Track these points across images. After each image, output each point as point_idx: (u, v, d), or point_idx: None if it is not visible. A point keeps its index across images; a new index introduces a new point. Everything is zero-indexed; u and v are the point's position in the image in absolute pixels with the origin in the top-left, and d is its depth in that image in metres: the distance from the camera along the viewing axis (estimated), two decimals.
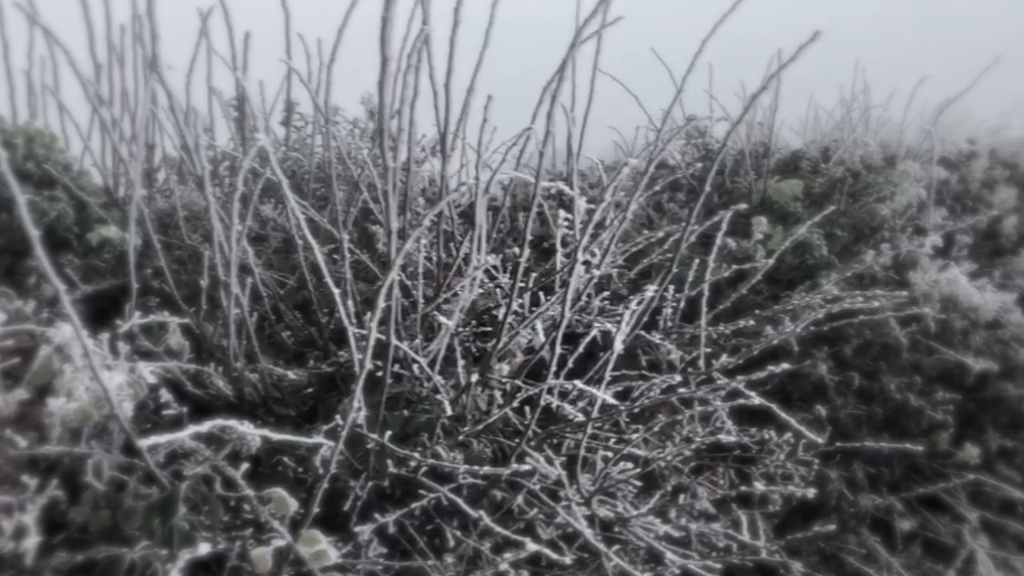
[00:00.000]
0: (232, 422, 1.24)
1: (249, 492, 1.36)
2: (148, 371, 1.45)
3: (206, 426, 1.20)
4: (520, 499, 1.79)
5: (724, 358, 2.13)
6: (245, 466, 1.37)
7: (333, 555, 1.36)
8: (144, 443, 1.14)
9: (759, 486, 2.05)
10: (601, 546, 1.64)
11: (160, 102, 2.16)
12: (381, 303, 1.23)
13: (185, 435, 1.17)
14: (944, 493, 2.90)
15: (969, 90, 4.31)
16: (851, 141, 3.77)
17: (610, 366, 1.58)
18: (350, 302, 1.76)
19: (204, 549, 1.14)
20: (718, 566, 1.72)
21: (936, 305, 2.94)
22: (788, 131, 4.85)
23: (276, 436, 1.38)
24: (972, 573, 2.82)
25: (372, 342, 1.25)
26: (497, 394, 1.99)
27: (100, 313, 1.91)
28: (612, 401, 1.54)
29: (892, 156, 3.85)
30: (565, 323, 1.59)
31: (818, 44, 1.94)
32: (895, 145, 4.23)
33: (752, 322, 2.38)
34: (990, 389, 3.20)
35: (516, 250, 1.91)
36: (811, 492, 1.93)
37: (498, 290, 2.28)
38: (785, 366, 1.72)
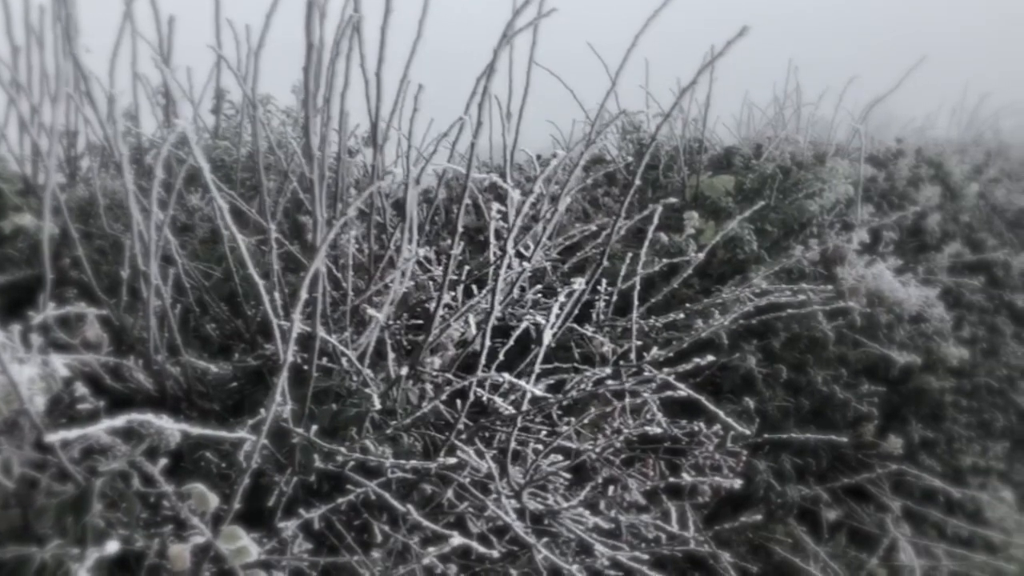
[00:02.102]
0: (149, 416, 1.20)
1: (167, 488, 1.32)
2: (62, 364, 1.39)
3: (120, 420, 1.16)
4: (450, 493, 1.78)
5: (655, 351, 2.15)
6: (163, 461, 1.33)
7: (254, 551, 1.33)
8: (54, 438, 1.10)
9: (688, 477, 2.08)
10: (531, 539, 1.64)
11: (81, 87, 2.09)
12: (304, 293, 1.21)
13: (98, 429, 1.13)
14: (868, 483, 2.98)
15: (896, 90, 4.42)
16: (782, 138, 3.84)
17: (539, 359, 1.58)
18: (276, 293, 1.73)
19: (113, 547, 1.10)
20: (646, 557, 1.73)
21: (862, 300, 3.02)
22: (723, 129, 4.92)
23: (196, 431, 1.34)
24: (894, 560, 2.90)
25: (295, 334, 1.22)
26: (429, 388, 1.98)
27: (14, 304, 1.84)
28: (540, 393, 1.54)
29: (822, 153, 3.92)
30: (495, 316, 1.58)
31: (756, 43, 1.96)
32: (825, 143, 4.32)
33: (683, 315, 2.41)
34: (913, 382, 3.30)
35: (450, 242, 1.90)
36: (737, 483, 1.95)
37: (431, 283, 2.26)
38: (711, 358, 1.73)
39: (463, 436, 1.79)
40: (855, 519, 2.93)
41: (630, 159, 3.49)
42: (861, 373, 3.01)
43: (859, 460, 2.93)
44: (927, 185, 4.36)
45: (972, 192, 4.69)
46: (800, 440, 2.59)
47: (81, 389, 1.47)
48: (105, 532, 1.30)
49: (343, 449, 1.58)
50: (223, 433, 1.42)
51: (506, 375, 1.54)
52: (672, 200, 1.90)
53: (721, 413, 2.02)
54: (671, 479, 2.06)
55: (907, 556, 2.82)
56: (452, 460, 1.52)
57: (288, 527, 1.48)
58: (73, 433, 1.11)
